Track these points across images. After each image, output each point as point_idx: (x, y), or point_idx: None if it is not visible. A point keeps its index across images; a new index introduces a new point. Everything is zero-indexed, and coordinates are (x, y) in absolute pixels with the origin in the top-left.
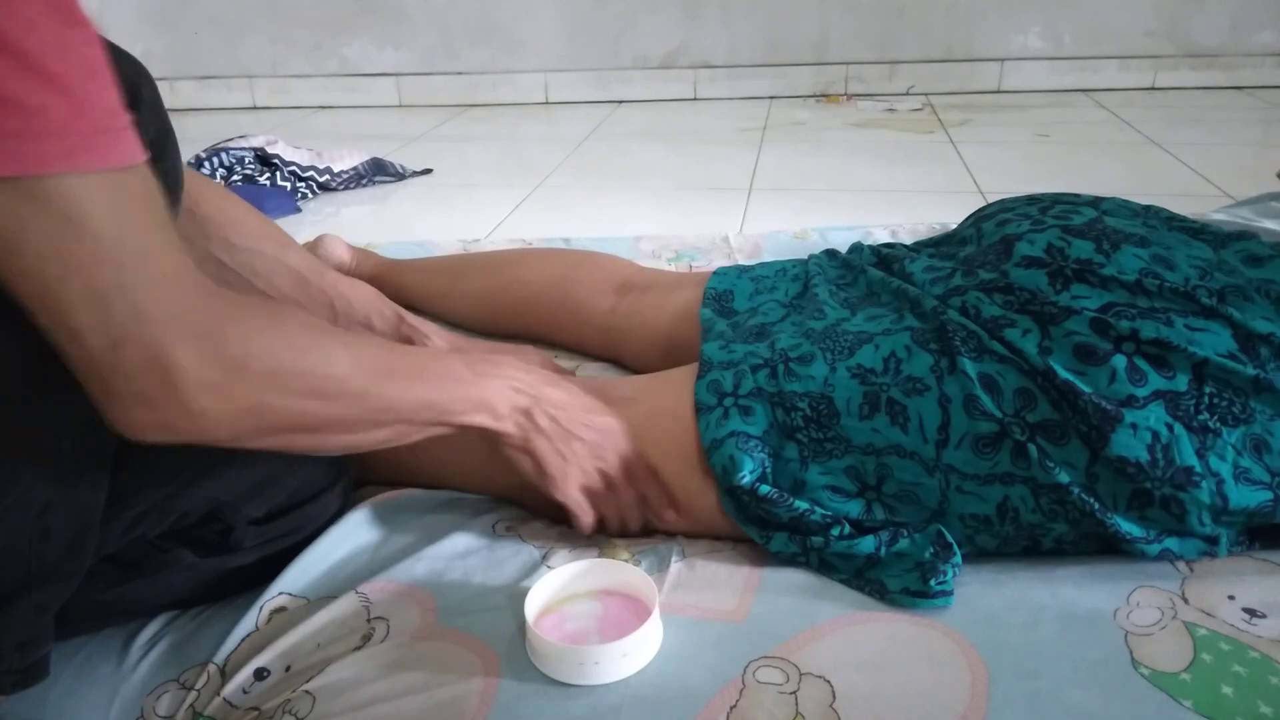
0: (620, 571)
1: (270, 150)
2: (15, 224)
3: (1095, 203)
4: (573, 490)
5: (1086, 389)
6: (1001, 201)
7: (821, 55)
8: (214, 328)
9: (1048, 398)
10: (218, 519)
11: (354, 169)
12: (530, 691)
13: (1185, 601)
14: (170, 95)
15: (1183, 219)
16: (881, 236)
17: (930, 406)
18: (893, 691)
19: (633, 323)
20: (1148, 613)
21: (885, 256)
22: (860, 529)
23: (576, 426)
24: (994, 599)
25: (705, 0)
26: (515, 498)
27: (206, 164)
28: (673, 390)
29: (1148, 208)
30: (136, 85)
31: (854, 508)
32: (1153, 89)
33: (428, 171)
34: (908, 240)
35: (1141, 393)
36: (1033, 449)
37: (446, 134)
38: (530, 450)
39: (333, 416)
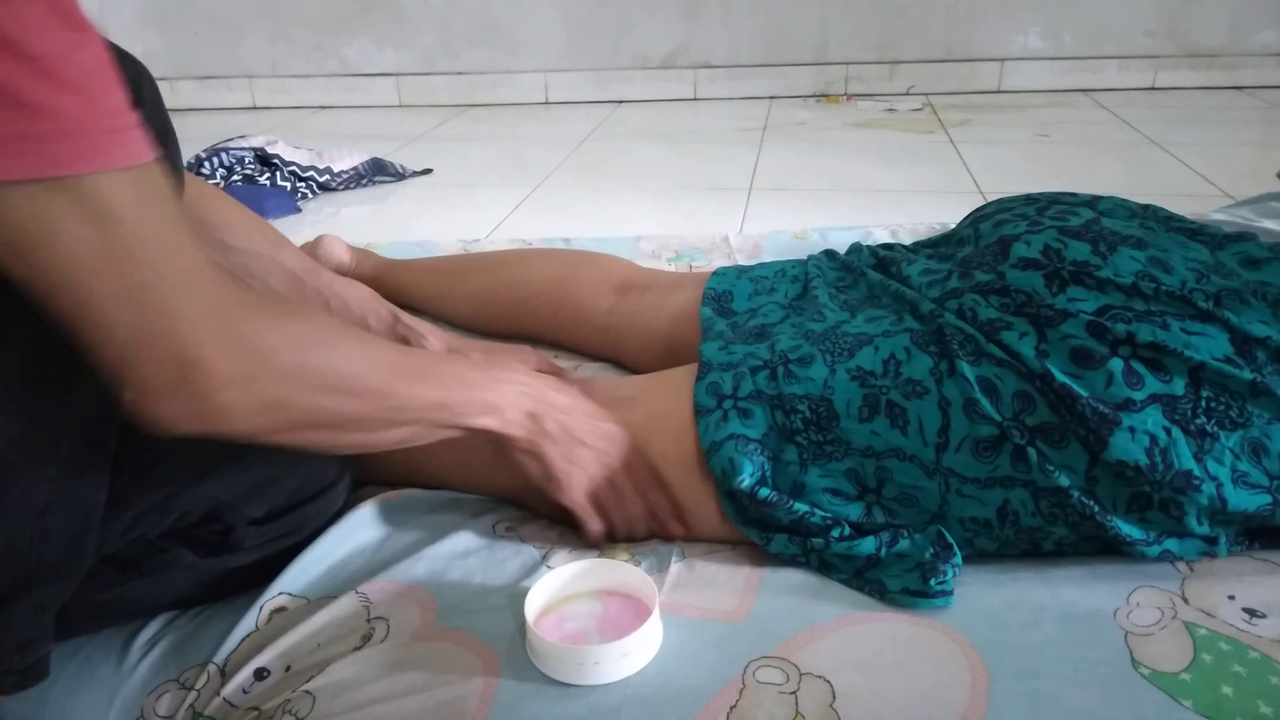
0: (620, 571)
1: (270, 150)
2: (44, 224)
3: (1092, 202)
4: (579, 496)
5: (1084, 392)
6: (999, 201)
7: (821, 55)
8: (237, 323)
9: (1046, 401)
10: (218, 519)
11: (354, 169)
12: (530, 691)
13: (1185, 601)
14: (170, 95)
15: (1181, 219)
16: (881, 236)
17: (930, 409)
18: (893, 691)
19: (632, 323)
20: (1148, 613)
21: (883, 258)
22: (860, 531)
23: (584, 433)
24: (994, 599)
25: (705, 0)
26: (516, 498)
27: (206, 164)
28: (672, 391)
29: (1145, 207)
30: (138, 84)
31: (854, 511)
32: (1153, 89)
33: (428, 171)
34: (907, 240)
35: (1139, 396)
36: (1032, 452)
37: (446, 134)
38: (537, 454)
39: (351, 415)
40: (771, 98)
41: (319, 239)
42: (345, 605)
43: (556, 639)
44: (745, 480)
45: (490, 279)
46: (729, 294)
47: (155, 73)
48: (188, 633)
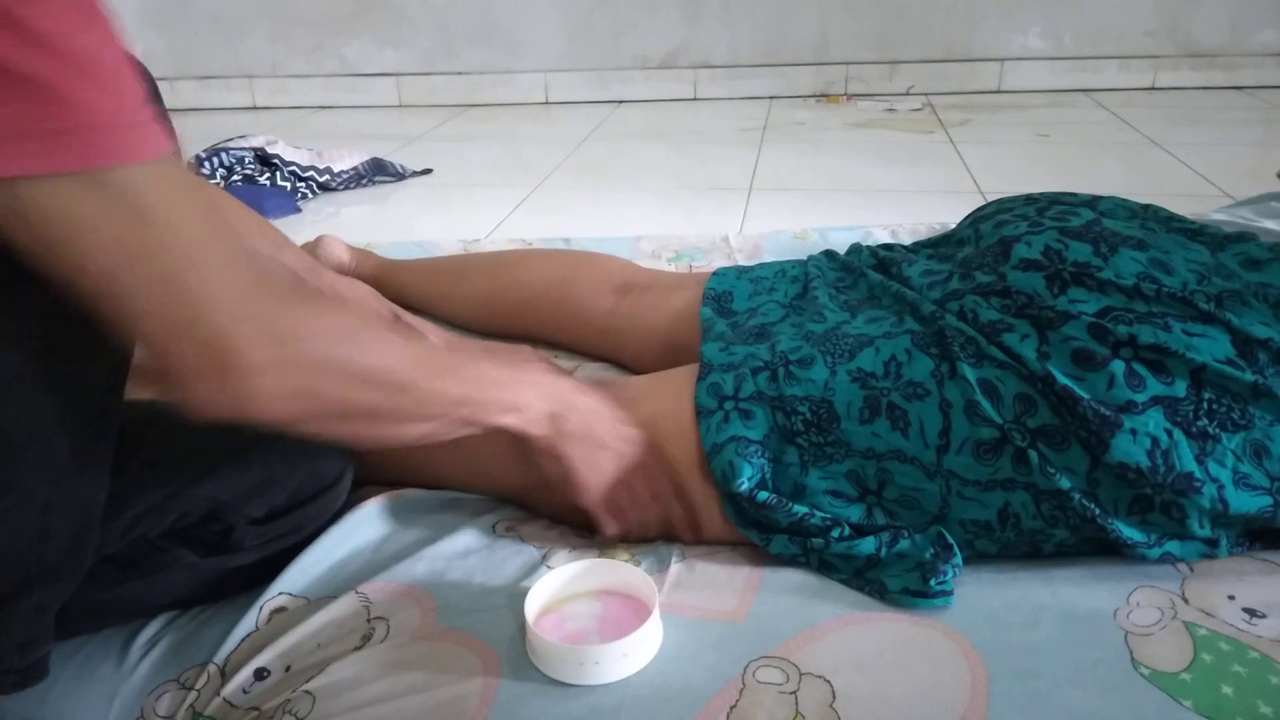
0: (620, 571)
1: (270, 150)
2: (85, 216)
3: (1093, 203)
4: (597, 498)
5: (1085, 394)
6: (999, 201)
7: (821, 55)
8: (269, 312)
9: (1047, 403)
10: (218, 519)
11: (354, 169)
12: (530, 691)
13: (1185, 601)
14: (170, 95)
15: (1181, 219)
16: (881, 236)
17: (931, 411)
18: (893, 691)
19: (632, 323)
20: (1148, 613)
21: (884, 259)
22: (861, 532)
23: (604, 435)
24: (994, 599)
25: (705, 0)
26: (516, 498)
27: (206, 164)
28: (673, 392)
29: (1145, 207)
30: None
31: (854, 512)
32: (1153, 89)
33: (428, 171)
34: (907, 240)
35: (1140, 398)
36: (1033, 455)
37: (446, 134)
38: (557, 455)
39: (377, 407)
40: (771, 98)
41: (319, 239)
42: (345, 605)
43: (556, 639)
44: (744, 483)
45: (490, 279)
46: (729, 294)
47: (155, 73)
48: (188, 633)
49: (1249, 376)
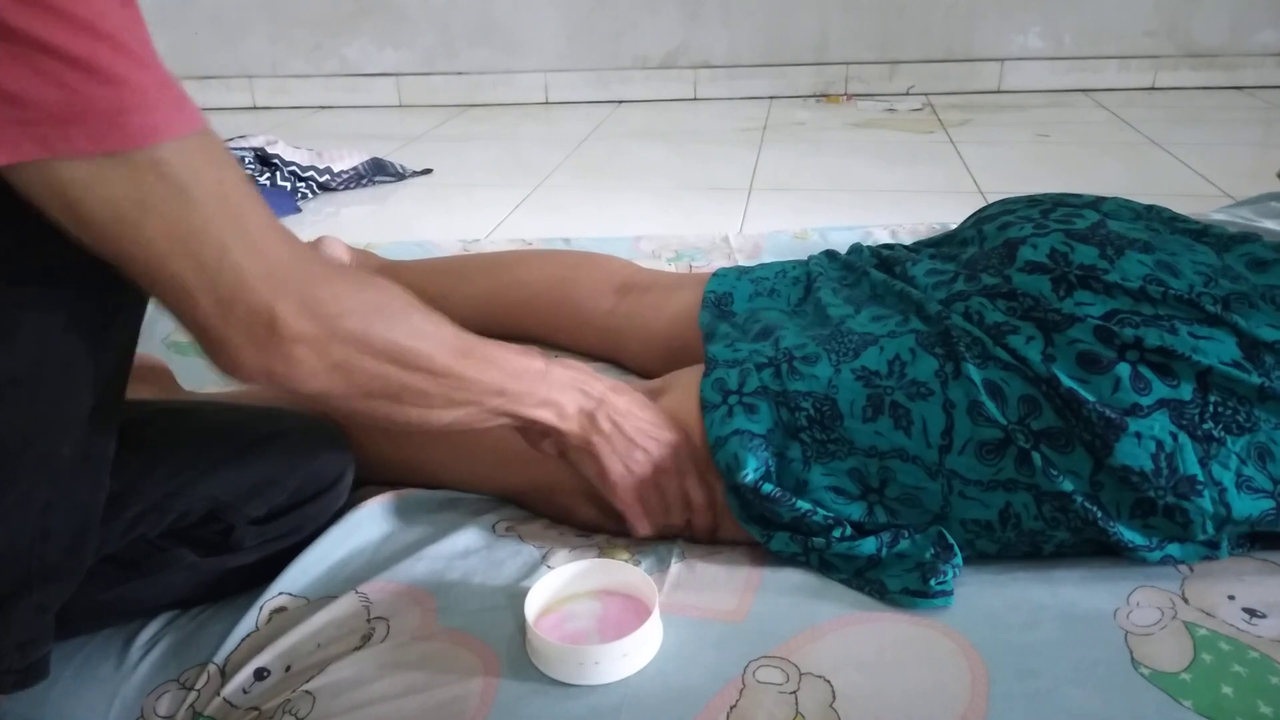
0: (620, 571)
1: (270, 150)
2: (138, 194)
3: (1096, 204)
4: (629, 496)
5: (1090, 397)
6: (1002, 202)
7: (821, 55)
8: (311, 286)
9: (1052, 405)
10: (218, 519)
11: (354, 169)
12: (530, 691)
13: (1185, 601)
14: None
15: (1185, 220)
16: (882, 236)
17: (934, 411)
18: (893, 691)
19: (632, 324)
20: (1148, 613)
21: (886, 258)
22: (862, 531)
23: (639, 436)
24: (994, 599)
25: (705, 0)
26: (516, 498)
27: None
28: (680, 388)
29: (1149, 208)
30: None
31: (856, 510)
32: (1153, 89)
33: (428, 171)
34: (908, 240)
35: (1146, 401)
36: (1037, 456)
37: (446, 134)
38: (592, 452)
39: (412, 387)
40: (771, 98)
41: (318, 240)
42: (345, 605)
43: (556, 639)
44: (749, 475)
45: (490, 280)
46: (729, 296)
47: None
48: (188, 633)
49: (1255, 379)
